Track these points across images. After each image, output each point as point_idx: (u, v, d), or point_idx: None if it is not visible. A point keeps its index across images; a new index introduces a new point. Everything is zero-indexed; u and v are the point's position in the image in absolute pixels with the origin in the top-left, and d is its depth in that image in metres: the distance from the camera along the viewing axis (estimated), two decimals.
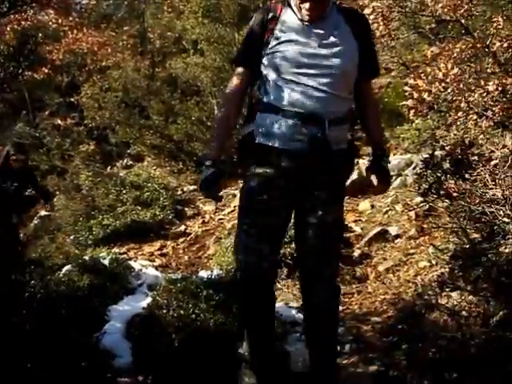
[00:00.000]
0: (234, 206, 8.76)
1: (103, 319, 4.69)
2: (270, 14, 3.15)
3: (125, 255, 7.66)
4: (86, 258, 5.98)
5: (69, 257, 6.64)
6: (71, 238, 9.05)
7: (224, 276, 5.41)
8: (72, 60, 15.19)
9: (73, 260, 5.90)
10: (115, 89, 13.54)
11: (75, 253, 6.71)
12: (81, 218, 9.45)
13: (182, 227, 8.83)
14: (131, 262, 6.41)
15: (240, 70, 3.27)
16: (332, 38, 3.10)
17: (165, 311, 4.45)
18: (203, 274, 5.81)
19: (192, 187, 11.03)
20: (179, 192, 10.84)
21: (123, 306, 5.10)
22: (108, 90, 13.58)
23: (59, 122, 15.14)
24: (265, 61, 3.15)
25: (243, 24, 12.64)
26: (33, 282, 4.34)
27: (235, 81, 3.27)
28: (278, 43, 3.10)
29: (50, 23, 14.57)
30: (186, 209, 9.76)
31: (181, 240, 8.27)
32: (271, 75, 3.14)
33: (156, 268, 6.65)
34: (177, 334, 4.20)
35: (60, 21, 14.50)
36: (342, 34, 3.12)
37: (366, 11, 5.02)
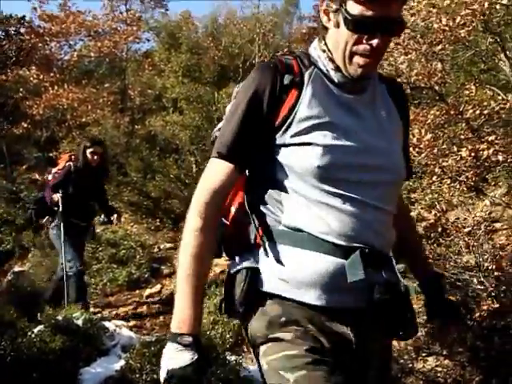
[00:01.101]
0: None
1: (75, 383, 4.59)
2: (287, 78, 1.92)
3: (99, 315, 7.55)
4: (59, 317, 5.87)
5: (42, 316, 6.53)
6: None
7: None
8: (52, 115, 15.21)
9: (45, 320, 5.80)
10: None
11: (48, 312, 6.58)
12: (55, 275, 9.32)
13: (158, 286, 8.73)
14: (105, 323, 6.30)
15: (225, 166, 1.95)
16: (386, 123, 2.02)
17: (138, 375, 4.38)
18: None
19: (169, 245, 10.97)
20: (156, 250, 10.76)
21: (96, 368, 5.00)
22: None
23: (37, 176, 15.07)
24: (279, 157, 1.93)
25: (223, 84, 12.87)
26: (3, 343, 4.26)
27: (217, 186, 1.95)
28: (306, 129, 1.89)
29: (32, 78, 14.67)
30: (163, 267, 9.67)
31: (156, 299, 8.17)
32: (294, 182, 1.93)
33: (130, 328, 6.54)
34: None
35: (41, 76, 14.61)
36: (392, 115, 2.06)
37: None
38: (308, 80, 1.93)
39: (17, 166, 16.07)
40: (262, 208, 2.00)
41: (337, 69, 1.93)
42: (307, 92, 1.91)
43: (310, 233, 1.88)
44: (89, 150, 6.79)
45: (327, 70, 1.95)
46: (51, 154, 14.72)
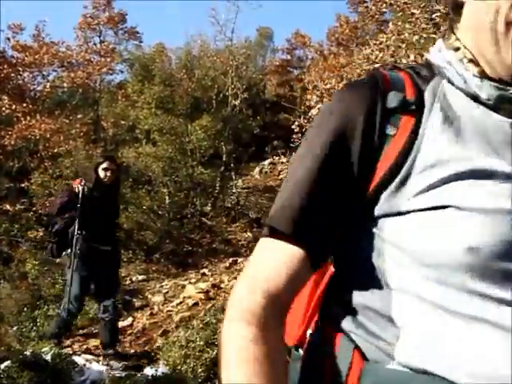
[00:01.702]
0: (183, 297, 8.68)
1: None
2: (394, 98, 1.06)
3: (69, 349, 7.45)
4: (27, 353, 5.78)
5: (10, 350, 6.42)
6: (14, 329, 8.77)
7: (170, 373, 5.31)
8: (24, 146, 15.13)
9: (13, 355, 5.71)
10: (66, 176, 13.47)
11: (16, 348, 6.48)
12: (25, 308, 9.20)
13: (130, 319, 8.64)
14: (75, 357, 6.23)
15: (290, 251, 1.06)
16: None
17: None
18: (149, 371, 5.68)
19: (141, 277, 10.90)
20: (128, 282, 10.68)
21: None
22: (59, 178, 13.51)
23: (8, 207, 14.92)
24: (387, 235, 1.03)
25: (196, 116, 12.94)
26: None
27: (277, 282, 1.05)
28: (441, 182, 0.99)
29: (4, 108, 14.60)
30: (135, 299, 9.59)
31: (128, 332, 8.08)
32: (417, 281, 0.99)
33: (101, 363, 6.46)
34: None
35: (14, 106, 14.54)
36: None
37: (313, 111, 5.19)
38: (432, 100, 1.08)
39: None
40: (352, 328, 1.08)
41: (482, 74, 1.06)
42: (433, 119, 1.05)
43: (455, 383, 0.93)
44: (101, 167, 6.37)
45: (465, 81, 1.07)
46: (23, 185, 14.61)
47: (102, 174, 6.34)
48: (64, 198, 6.48)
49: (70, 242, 6.31)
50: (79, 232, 6.23)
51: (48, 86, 16.73)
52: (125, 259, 11.89)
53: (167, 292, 9.70)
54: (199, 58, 16.67)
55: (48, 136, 14.24)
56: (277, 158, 16.00)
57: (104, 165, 6.35)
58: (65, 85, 16.78)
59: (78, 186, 6.33)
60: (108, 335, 6.63)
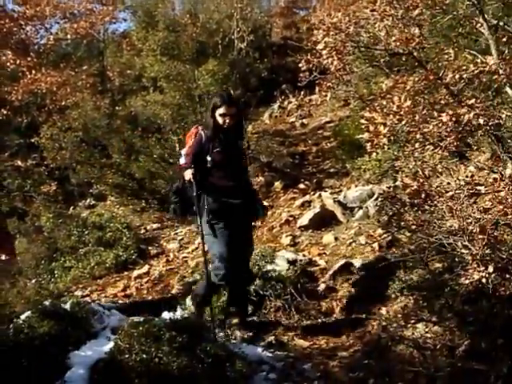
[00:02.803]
0: (198, 243, 8.70)
1: (63, 367, 4.58)
2: None
3: (87, 298, 7.53)
4: (47, 303, 5.83)
5: (29, 302, 6.49)
6: (33, 281, 8.86)
7: (188, 316, 5.34)
8: (31, 100, 15.02)
9: (33, 306, 5.76)
10: (75, 128, 13.44)
11: (36, 298, 6.54)
12: (42, 261, 9.30)
13: (146, 267, 8.71)
14: (94, 305, 6.29)
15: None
16: None
17: (127, 356, 4.38)
18: (166, 315, 5.72)
19: (155, 225, 10.94)
20: (142, 231, 10.74)
21: (86, 352, 5.00)
22: (68, 130, 13.46)
23: (19, 163, 14.92)
24: None
25: (202, 61, 12.75)
26: None
27: None
28: None
29: (8, 64, 14.44)
30: (150, 248, 9.66)
31: (144, 280, 8.15)
32: None
33: (120, 310, 6.52)
34: (140, 379, 4.12)
35: (18, 61, 14.37)
36: None
37: (319, 46, 5.06)
38: None
39: None
40: None
41: None
42: None
43: None
44: (218, 112, 5.55)
45: None
46: (33, 140, 14.60)
47: (219, 120, 5.56)
48: (196, 145, 5.68)
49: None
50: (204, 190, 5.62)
51: (52, 39, 16.43)
52: (138, 209, 11.94)
53: (182, 239, 9.75)
54: (203, 1, 16.36)
55: (54, 89, 14.08)
56: (286, 101, 15.82)
57: (221, 110, 5.53)
58: (68, 36, 16.48)
59: (201, 132, 5.64)
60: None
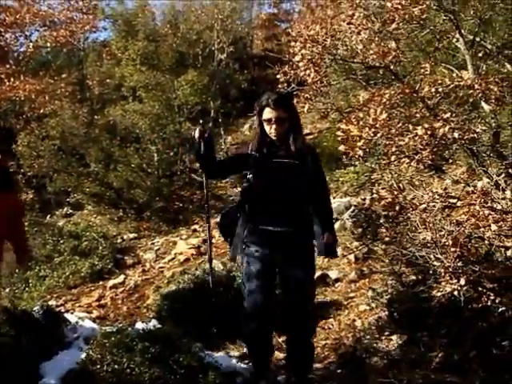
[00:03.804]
0: (175, 253, 8.67)
1: (35, 377, 4.51)
2: None
3: (61, 307, 7.46)
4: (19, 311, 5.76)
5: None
6: (7, 290, 8.77)
7: (162, 327, 5.30)
8: (9, 108, 14.94)
9: (4, 314, 5.69)
10: (53, 137, 13.36)
11: (9, 306, 6.47)
12: (17, 270, 9.19)
13: (122, 277, 8.66)
14: (67, 315, 6.23)
15: None
16: None
17: (99, 366, 4.32)
18: (140, 325, 5.67)
19: (132, 235, 10.89)
20: (119, 240, 10.69)
21: (57, 362, 4.92)
22: (46, 138, 13.38)
23: None
24: None
25: (182, 71, 12.76)
26: None
27: None
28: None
29: None
30: (126, 257, 9.60)
31: (120, 290, 8.09)
32: None
33: (93, 320, 6.46)
34: None
35: None
36: None
37: (296, 58, 5.09)
38: None
39: None
40: None
41: None
42: None
43: None
44: (263, 116, 4.29)
45: None
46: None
47: (266, 127, 4.30)
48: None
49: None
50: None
51: (31, 47, 16.40)
52: (115, 218, 11.88)
53: (159, 249, 9.71)
54: (184, 12, 16.39)
55: (33, 97, 14.03)
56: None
57: (265, 113, 4.26)
58: (48, 44, 16.42)
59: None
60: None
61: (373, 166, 6.35)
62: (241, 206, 4.44)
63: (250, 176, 4.33)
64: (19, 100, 14.24)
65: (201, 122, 4.72)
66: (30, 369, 4.43)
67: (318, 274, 6.82)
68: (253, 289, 4.33)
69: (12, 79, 13.98)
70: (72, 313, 6.83)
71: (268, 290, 4.37)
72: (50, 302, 7.82)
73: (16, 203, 5.01)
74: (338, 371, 5.03)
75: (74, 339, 5.60)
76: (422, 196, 3.98)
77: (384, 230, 4.26)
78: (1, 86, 14.15)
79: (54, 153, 12.99)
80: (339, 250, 7.35)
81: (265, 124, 4.26)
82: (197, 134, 4.35)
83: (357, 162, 7.59)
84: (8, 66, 14.94)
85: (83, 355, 4.70)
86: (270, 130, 4.24)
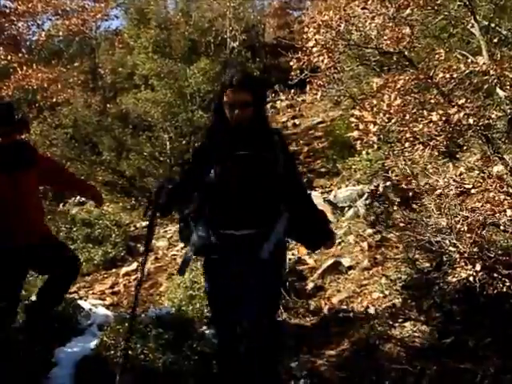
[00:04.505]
0: None
1: (49, 362, 4.54)
2: None
3: (75, 294, 7.49)
4: (33, 298, 5.79)
5: None
6: None
7: (174, 313, 5.32)
8: (22, 96, 14.97)
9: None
10: (65, 125, 13.37)
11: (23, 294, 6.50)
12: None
13: (135, 264, 8.67)
14: (81, 302, 6.26)
15: None
16: None
17: (112, 352, 4.34)
18: (153, 311, 5.70)
19: (144, 223, 10.90)
20: (132, 228, 10.70)
21: (72, 348, 4.96)
22: (58, 127, 13.40)
23: None
24: None
25: (194, 59, 12.73)
26: None
27: None
28: None
29: None
30: (139, 245, 9.61)
31: (133, 277, 8.11)
32: None
33: (107, 307, 6.49)
34: (124, 375, 4.08)
35: (9, 57, 14.32)
36: None
37: (309, 44, 5.06)
38: None
39: None
40: None
41: None
42: None
43: None
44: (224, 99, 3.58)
45: None
46: (23, 136, 14.53)
47: (227, 112, 3.62)
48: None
49: None
50: None
51: (43, 35, 16.43)
52: (128, 206, 11.90)
53: (171, 237, 9.71)
54: (196, 0, 16.35)
55: (45, 85, 14.06)
56: (278, 101, 15.81)
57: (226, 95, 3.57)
58: (60, 33, 16.45)
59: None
60: None
61: (386, 153, 6.32)
62: (200, 208, 3.70)
63: (211, 175, 3.56)
64: (32, 89, 14.26)
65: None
66: (44, 355, 4.46)
67: (330, 261, 6.82)
68: (220, 322, 3.74)
69: (25, 68, 14.00)
70: (85, 300, 6.85)
71: (235, 318, 3.58)
72: None
73: (47, 168, 4.85)
74: (352, 358, 5.03)
75: (87, 326, 5.64)
76: (437, 181, 3.95)
77: (398, 216, 4.23)
78: (14, 74, 14.18)
79: (67, 141, 13.00)
80: (352, 238, 7.35)
81: (226, 108, 3.53)
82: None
83: (370, 150, 7.56)
84: (20, 54, 14.98)
85: (97, 341, 4.73)
86: (232, 115, 3.51)
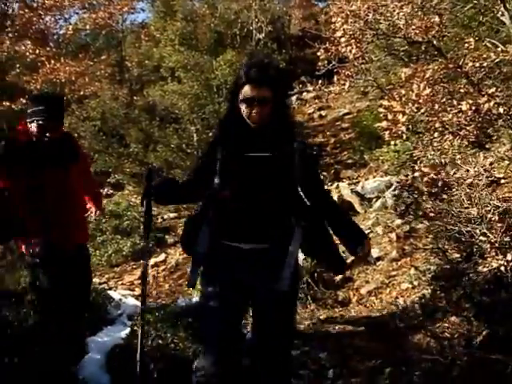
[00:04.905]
0: None
1: (81, 352, 4.60)
2: None
3: (105, 285, 7.58)
4: None
5: None
6: None
7: None
8: (50, 90, 15.11)
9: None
10: (93, 118, 13.49)
11: None
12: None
13: (163, 255, 8.75)
14: (111, 292, 6.34)
15: None
16: None
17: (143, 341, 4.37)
18: (182, 301, 5.74)
19: (172, 214, 10.96)
20: (160, 220, 10.77)
21: (102, 337, 5.02)
22: (86, 119, 13.53)
23: None
24: None
25: (220, 51, 12.75)
26: (7, 314, 4.27)
27: None
28: None
29: (28, 54, 14.51)
30: (167, 236, 9.69)
31: (161, 268, 8.18)
32: None
33: (136, 298, 6.55)
34: (155, 364, 4.13)
35: (37, 51, 14.44)
36: None
37: (338, 34, 5.04)
38: None
39: None
40: None
41: None
42: None
43: None
44: (240, 96, 3.21)
45: None
46: None
47: (244, 110, 3.25)
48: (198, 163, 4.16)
49: None
50: None
51: (70, 29, 16.55)
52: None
53: None
54: None
55: (73, 79, 14.16)
56: (304, 93, 15.78)
57: (243, 92, 3.19)
58: (87, 27, 16.55)
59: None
60: None
61: (414, 144, 6.29)
62: (204, 214, 3.32)
63: (218, 180, 3.20)
64: (60, 82, 14.38)
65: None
66: (76, 344, 4.51)
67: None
68: (211, 320, 3.29)
69: (52, 62, 14.12)
70: (115, 290, 6.93)
71: (232, 321, 3.28)
72: (93, 280, 7.95)
73: (86, 166, 4.87)
74: (381, 349, 5.02)
75: (117, 316, 5.71)
76: (468, 171, 3.93)
77: (428, 207, 4.21)
78: (42, 68, 14.31)
79: (95, 134, 13.12)
80: (380, 229, 7.33)
81: (242, 106, 3.15)
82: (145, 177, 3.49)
83: (397, 141, 7.53)
84: (48, 48, 15.10)
85: (127, 331, 4.78)
86: (251, 114, 3.13)
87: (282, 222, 3.22)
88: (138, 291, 7.36)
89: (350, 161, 11.05)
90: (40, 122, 4.08)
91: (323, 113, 14.38)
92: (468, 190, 3.74)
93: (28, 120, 4.16)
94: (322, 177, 3.67)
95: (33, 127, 4.13)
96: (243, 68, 3.20)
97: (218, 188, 3.17)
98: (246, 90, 3.11)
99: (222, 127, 3.38)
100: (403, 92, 4.84)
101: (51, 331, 4.18)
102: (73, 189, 4.33)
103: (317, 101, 15.27)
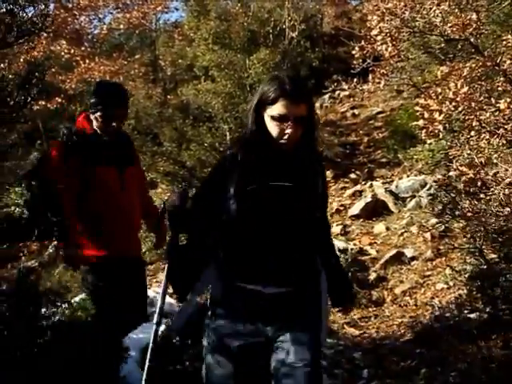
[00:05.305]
0: None
1: (119, 348, 4.65)
2: None
3: None
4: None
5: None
6: None
7: None
8: (85, 89, 15.29)
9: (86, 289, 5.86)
10: (128, 117, 13.58)
11: None
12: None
13: None
14: None
15: None
16: None
17: (178, 338, 4.42)
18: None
19: None
20: None
21: (137, 334, 5.06)
22: None
23: None
24: None
25: (253, 50, 12.74)
26: (47, 311, 4.32)
27: None
28: None
29: (63, 53, 14.72)
30: None
31: None
32: None
33: (170, 295, 6.59)
34: (191, 361, 4.16)
35: (72, 51, 14.65)
36: None
37: (373, 32, 5.01)
38: None
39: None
40: None
41: None
42: None
43: None
44: (271, 111, 2.75)
45: None
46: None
47: (273, 128, 2.72)
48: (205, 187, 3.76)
49: None
50: None
51: (105, 29, 16.75)
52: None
53: None
54: None
55: (108, 78, 14.32)
56: (337, 91, 15.72)
57: (277, 108, 2.69)
58: (121, 26, 16.74)
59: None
60: None
61: (449, 142, 6.24)
62: (214, 252, 2.83)
63: (235, 206, 2.67)
64: (94, 81, 14.55)
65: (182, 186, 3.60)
66: (114, 340, 4.56)
67: (393, 252, 6.79)
68: None
69: (87, 61, 14.31)
70: (149, 288, 6.97)
71: None
72: None
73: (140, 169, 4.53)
74: (416, 350, 5.00)
75: (152, 313, 5.74)
76: (506, 171, 3.88)
77: (466, 206, 4.17)
78: (77, 68, 14.50)
79: (129, 133, 13.18)
80: (415, 228, 7.29)
81: (272, 123, 2.67)
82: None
83: (432, 140, 7.46)
84: (83, 48, 15.31)
85: (163, 328, 4.81)
86: (282, 133, 2.64)
87: (309, 260, 2.77)
88: (171, 289, 7.41)
89: (383, 160, 10.98)
90: (109, 110, 3.90)
91: (356, 111, 14.32)
92: (506, 190, 3.70)
93: (94, 109, 3.97)
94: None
95: (98, 117, 3.95)
96: (274, 81, 2.72)
97: (235, 220, 2.69)
98: (280, 106, 2.64)
99: (244, 149, 2.73)
100: (439, 90, 4.79)
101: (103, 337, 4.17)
102: (129, 194, 4.06)
103: (350, 99, 15.21)
